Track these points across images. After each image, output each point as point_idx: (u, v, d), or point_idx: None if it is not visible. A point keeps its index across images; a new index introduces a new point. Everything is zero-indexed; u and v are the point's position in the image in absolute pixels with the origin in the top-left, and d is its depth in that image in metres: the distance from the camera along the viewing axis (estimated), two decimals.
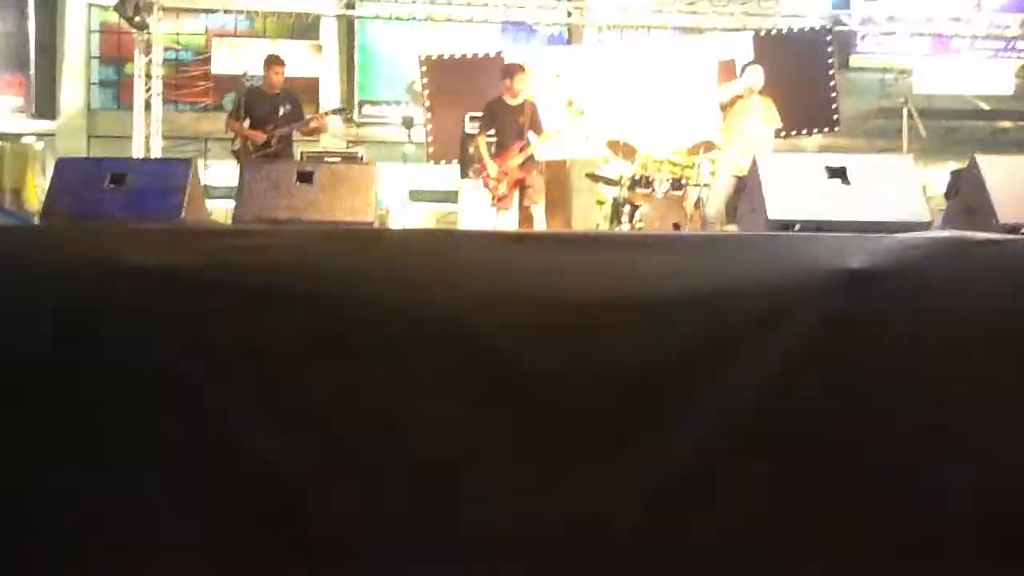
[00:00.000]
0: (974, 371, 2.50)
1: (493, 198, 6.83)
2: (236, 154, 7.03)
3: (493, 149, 6.86)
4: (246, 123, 6.90)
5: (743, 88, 7.09)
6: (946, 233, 2.85)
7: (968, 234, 2.74)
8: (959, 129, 14.23)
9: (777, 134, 7.89)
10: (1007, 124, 15.45)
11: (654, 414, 2.46)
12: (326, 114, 8.19)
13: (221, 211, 11.69)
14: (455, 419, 2.45)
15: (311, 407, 2.47)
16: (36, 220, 3.57)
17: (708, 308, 2.48)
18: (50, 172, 3.69)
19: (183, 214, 3.39)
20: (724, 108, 7.20)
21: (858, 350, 2.51)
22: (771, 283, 2.55)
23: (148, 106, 11.51)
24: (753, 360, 2.47)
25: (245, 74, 7.52)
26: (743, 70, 7.36)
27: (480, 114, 7.30)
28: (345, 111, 9.18)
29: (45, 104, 15.18)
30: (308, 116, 7.44)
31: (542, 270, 2.54)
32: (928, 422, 2.47)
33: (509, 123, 6.76)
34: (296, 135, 7.30)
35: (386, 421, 2.45)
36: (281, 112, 6.91)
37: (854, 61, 14.68)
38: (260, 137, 6.80)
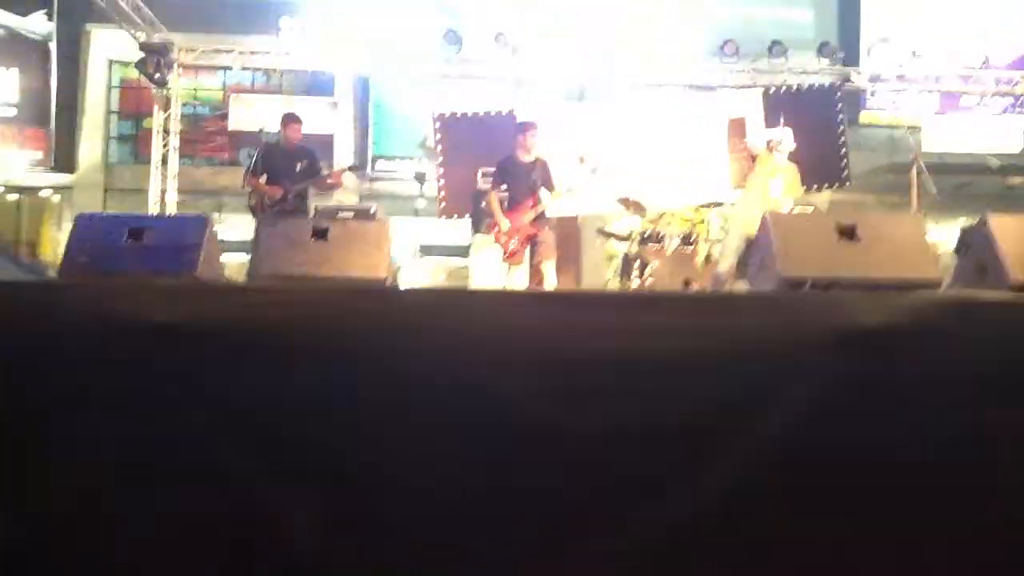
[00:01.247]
0: (986, 434, 2.47)
1: (505, 253, 6.86)
2: (253, 209, 7.10)
3: (505, 205, 6.92)
4: (263, 179, 6.98)
5: (775, 141, 7.11)
6: (957, 293, 2.85)
7: (980, 293, 2.74)
8: (969, 185, 14.27)
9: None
10: (1017, 180, 15.48)
11: (659, 477, 2.44)
12: (342, 171, 8.29)
13: (235, 265, 11.80)
14: (462, 475, 2.44)
15: (322, 465, 2.46)
16: (51, 273, 3.61)
17: (717, 370, 2.47)
18: (67, 225, 3.74)
19: (199, 269, 3.42)
20: (753, 159, 7.22)
21: (869, 411, 2.49)
22: (782, 343, 2.54)
23: (165, 160, 11.69)
24: (762, 423, 2.46)
25: (261, 130, 7.65)
26: (780, 128, 7.39)
27: (493, 170, 7.37)
28: (359, 168, 9.27)
29: (64, 158, 15.43)
30: (325, 173, 7.54)
31: (552, 329, 2.54)
32: (938, 485, 2.45)
33: (521, 180, 6.83)
34: (312, 190, 7.38)
35: (397, 479, 2.44)
36: (298, 168, 6.99)
37: (864, 117, 14.84)
38: (277, 193, 6.88)
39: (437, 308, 2.67)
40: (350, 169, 8.89)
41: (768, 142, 7.14)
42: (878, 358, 2.50)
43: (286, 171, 6.96)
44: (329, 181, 7.45)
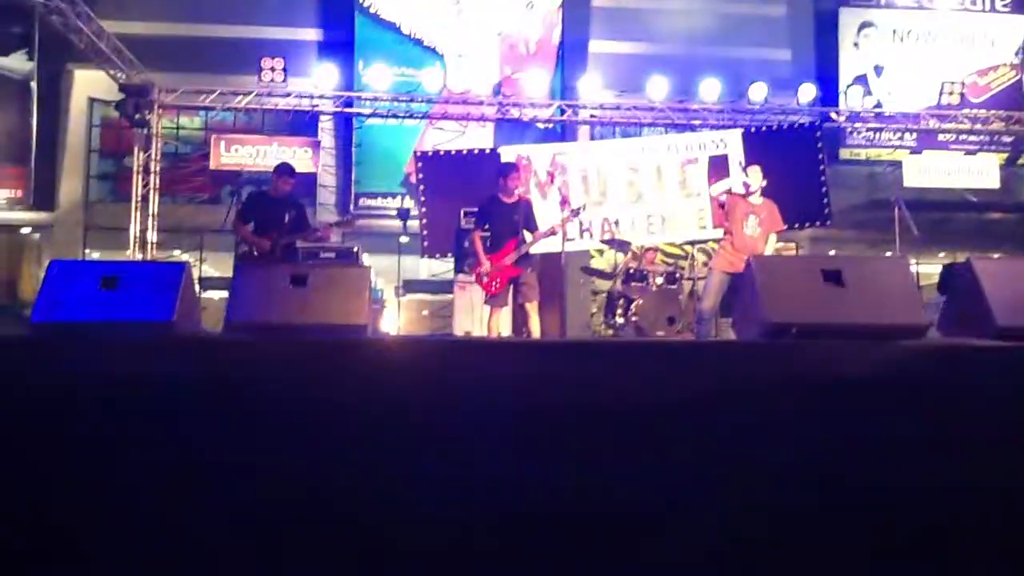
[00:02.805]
0: (979, 483, 2.44)
1: (488, 295, 6.82)
2: (242, 258, 7.02)
3: (488, 244, 6.88)
4: (250, 227, 6.93)
5: (736, 184, 7.17)
6: (943, 340, 2.83)
7: (967, 342, 2.72)
8: (949, 220, 14.40)
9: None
10: (996, 215, 15.65)
11: (642, 531, 2.38)
12: (332, 226, 8.21)
13: (217, 301, 11.69)
14: (441, 529, 2.38)
15: (296, 520, 2.39)
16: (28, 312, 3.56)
17: (700, 419, 2.43)
18: (47, 263, 3.66)
19: (175, 317, 3.35)
20: (723, 206, 7.27)
21: (857, 460, 2.46)
22: (768, 392, 2.51)
23: (146, 199, 11.63)
24: (748, 473, 2.42)
25: (242, 168, 7.57)
26: (745, 171, 7.45)
27: (475, 209, 7.35)
28: (350, 223, 9.19)
29: (43, 196, 15.32)
30: (314, 227, 7.47)
31: (531, 380, 2.50)
32: (927, 527, 2.41)
33: (504, 221, 6.79)
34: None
35: (375, 529, 2.37)
36: (286, 218, 6.92)
37: (844, 153, 14.98)
38: (265, 246, 6.81)
39: (412, 357, 2.62)
40: (341, 223, 8.81)
41: (729, 190, 7.21)
42: (865, 408, 2.47)
43: (274, 221, 6.89)
44: (318, 234, 7.36)
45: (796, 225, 10.00)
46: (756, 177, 7.08)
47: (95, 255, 14.94)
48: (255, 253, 6.84)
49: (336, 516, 2.38)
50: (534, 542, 2.34)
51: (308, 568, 2.32)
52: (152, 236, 11.64)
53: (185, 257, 13.67)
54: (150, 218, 11.63)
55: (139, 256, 11.44)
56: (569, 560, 2.33)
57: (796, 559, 2.37)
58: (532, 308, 6.73)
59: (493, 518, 2.35)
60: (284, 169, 7.20)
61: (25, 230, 15.83)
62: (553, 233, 6.85)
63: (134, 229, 11.57)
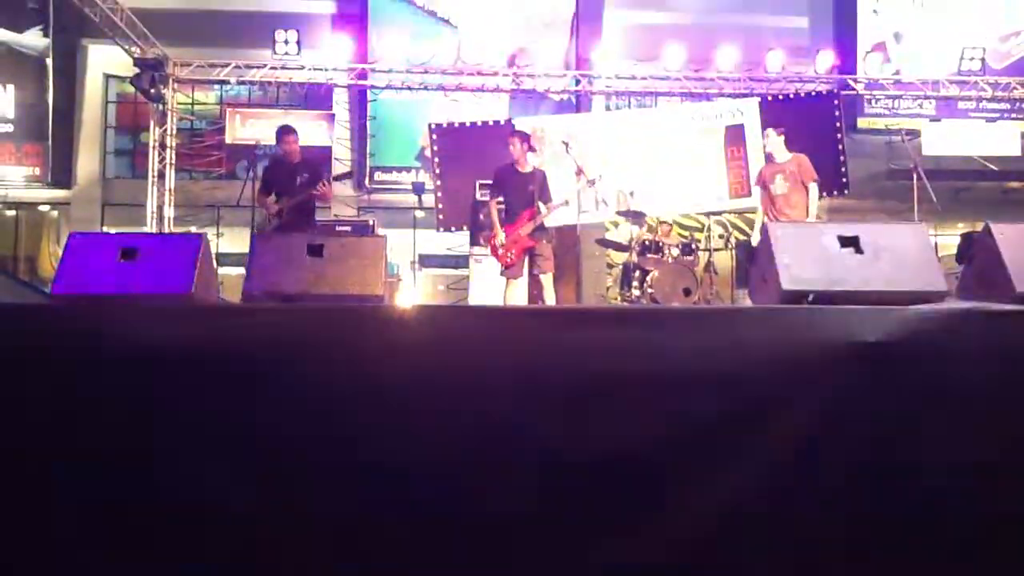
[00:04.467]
0: (996, 447, 2.44)
1: (503, 267, 6.82)
2: (260, 228, 7.06)
3: (502, 216, 6.88)
4: (272, 197, 6.94)
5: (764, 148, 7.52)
6: (962, 305, 2.81)
7: (985, 306, 2.70)
8: (968, 190, 14.25)
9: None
10: (1015, 184, 15.47)
11: (661, 493, 2.40)
12: (328, 182, 8.22)
13: (235, 278, 11.74)
14: (459, 493, 2.41)
15: (317, 484, 2.42)
16: (48, 289, 3.58)
17: (720, 386, 2.43)
18: (64, 241, 3.70)
19: (193, 289, 3.37)
20: (760, 185, 7.58)
21: (874, 425, 2.46)
22: (785, 359, 2.50)
23: (162, 175, 11.68)
24: (766, 437, 2.43)
25: (258, 143, 7.58)
26: (764, 138, 7.79)
27: (490, 181, 7.34)
28: (351, 175, 9.14)
29: (61, 173, 15.40)
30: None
31: (551, 347, 2.50)
32: (940, 495, 2.41)
33: (519, 191, 6.77)
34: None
35: (395, 491, 2.40)
36: (298, 181, 6.92)
37: (862, 123, 14.81)
38: (273, 208, 6.84)
39: (429, 324, 2.63)
40: (341, 176, 8.80)
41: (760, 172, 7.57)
42: (882, 372, 2.46)
43: (287, 185, 6.91)
44: (318, 193, 7.34)
45: None
46: (772, 139, 7.21)
47: (113, 232, 15.04)
48: (270, 221, 6.87)
49: (358, 469, 2.40)
50: (558, 491, 2.36)
51: (333, 524, 2.36)
52: (169, 212, 11.70)
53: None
54: (167, 194, 11.69)
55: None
56: (598, 521, 2.36)
57: (808, 513, 2.38)
58: (547, 280, 6.73)
59: (518, 477, 2.37)
60: (285, 128, 7.23)
61: (44, 208, 15.93)
62: (566, 204, 6.84)
63: (151, 205, 11.64)
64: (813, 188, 7.18)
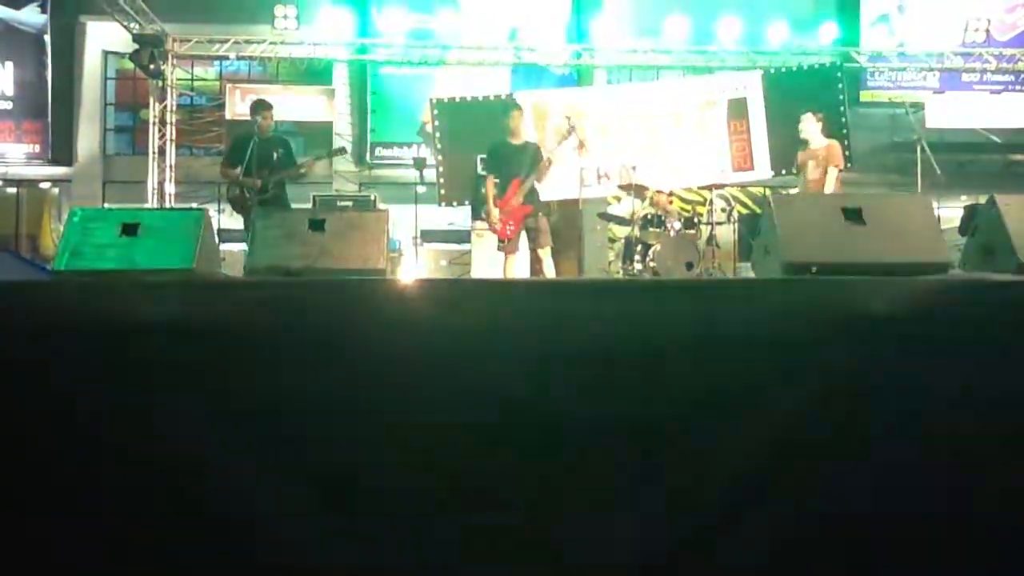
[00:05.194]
0: (999, 419, 2.44)
1: (501, 241, 6.82)
2: (233, 201, 7.11)
3: (497, 191, 6.88)
4: (238, 170, 6.96)
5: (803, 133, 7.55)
6: (966, 276, 2.80)
7: (988, 276, 2.69)
8: (972, 163, 14.18)
9: (787, 172, 7.98)
10: (1020, 157, 15.39)
11: (662, 465, 2.40)
12: (316, 159, 8.23)
13: (237, 254, 11.74)
14: (459, 469, 2.41)
15: (322, 459, 2.43)
16: (50, 267, 3.59)
17: (722, 357, 2.43)
18: (66, 217, 3.70)
19: (195, 264, 3.37)
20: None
21: (876, 397, 2.45)
22: (787, 330, 2.50)
23: (162, 152, 11.65)
24: (768, 410, 2.42)
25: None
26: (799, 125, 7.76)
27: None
28: (344, 151, 9.18)
29: (61, 150, 15.36)
30: (299, 162, 7.49)
31: (550, 319, 2.50)
32: (947, 470, 2.41)
33: (511, 162, 6.80)
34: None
35: (398, 469, 2.41)
36: (274, 157, 6.98)
37: (865, 96, 14.71)
38: (256, 183, 6.87)
39: (432, 297, 2.63)
40: (335, 153, 8.80)
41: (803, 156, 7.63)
42: (887, 344, 2.46)
43: (263, 160, 6.93)
44: (301, 171, 7.34)
45: None
46: (809, 124, 7.29)
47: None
48: (247, 194, 6.90)
49: (360, 457, 2.41)
50: (561, 463, 2.37)
51: (344, 494, 2.36)
52: (170, 188, 11.69)
53: None
54: (167, 170, 11.67)
55: None
56: (601, 494, 2.36)
57: (814, 485, 2.39)
58: (545, 253, 6.74)
59: (521, 450, 2.38)
60: (260, 104, 7.25)
61: (44, 185, 15.91)
62: (550, 163, 6.84)
63: (152, 182, 11.62)
64: (831, 172, 7.21)
